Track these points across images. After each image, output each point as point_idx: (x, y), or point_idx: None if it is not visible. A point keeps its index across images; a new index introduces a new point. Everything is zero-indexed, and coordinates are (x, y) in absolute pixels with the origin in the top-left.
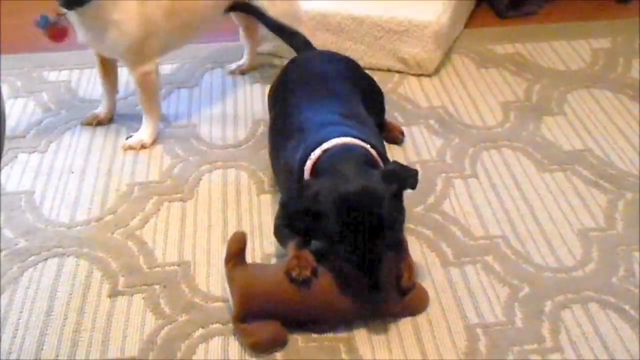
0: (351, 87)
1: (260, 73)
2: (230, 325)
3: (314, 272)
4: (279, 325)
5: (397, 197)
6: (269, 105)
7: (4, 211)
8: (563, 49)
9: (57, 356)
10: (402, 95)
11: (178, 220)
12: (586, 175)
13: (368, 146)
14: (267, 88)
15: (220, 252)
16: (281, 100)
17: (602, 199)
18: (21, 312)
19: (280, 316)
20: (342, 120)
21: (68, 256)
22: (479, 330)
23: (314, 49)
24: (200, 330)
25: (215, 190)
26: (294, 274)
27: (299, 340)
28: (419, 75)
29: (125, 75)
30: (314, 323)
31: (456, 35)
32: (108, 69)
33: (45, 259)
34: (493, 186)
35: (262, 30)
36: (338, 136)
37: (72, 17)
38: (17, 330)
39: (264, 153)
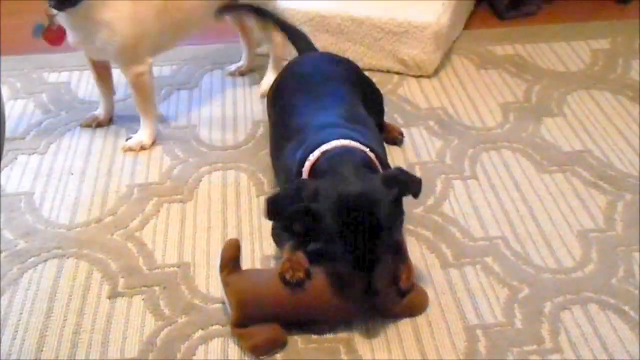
0: (351, 88)
1: (259, 74)
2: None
3: (307, 274)
4: (277, 327)
5: (397, 202)
6: (268, 106)
7: (4, 212)
8: (563, 50)
9: (57, 357)
10: (402, 97)
11: (178, 221)
12: (586, 176)
13: (367, 149)
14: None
15: (220, 254)
16: (281, 102)
17: (601, 200)
18: (21, 313)
19: (278, 319)
20: (342, 122)
21: (68, 257)
22: (478, 331)
23: (316, 50)
24: (200, 332)
25: (214, 192)
26: (287, 276)
27: (298, 342)
28: (419, 76)
29: (123, 77)
30: (313, 323)
31: (456, 36)
32: (102, 71)
33: (45, 260)
34: (492, 187)
35: (259, 31)
36: (337, 138)
37: (62, 18)
38: (16, 331)
39: (264, 154)
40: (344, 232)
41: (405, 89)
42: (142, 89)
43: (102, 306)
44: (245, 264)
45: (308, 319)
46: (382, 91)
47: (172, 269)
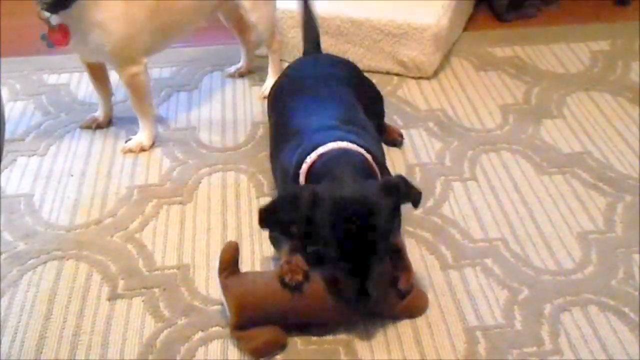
0: (351, 90)
1: (259, 76)
2: None
3: (306, 277)
4: (277, 329)
5: (394, 210)
6: (268, 108)
7: (4, 214)
8: (562, 52)
9: (57, 359)
10: (401, 98)
11: (177, 223)
12: (585, 178)
13: (364, 151)
14: None
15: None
16: (280, 103)
17: (601, 202)
18: (21, 315)
19: (277, 321)
20: (340, 124)
21: (67, 259)
22: (478, 333)
23: (319, 51)
24: (200, 334)
25: (214, 193)
26: (286, 278)
27: (298, 343)
28: (418, 78)
29: None
30: (312, 325)
31: (455, 38)
32: (98, 73)
33: (45, 262)
34: (492, 189)
35: (257, 33)
36: (334, 140)
37: (55, 21)
38: (16, 333)
39: (263, 156)
40: (341, 240)
41: (404, 90)
42: (138, 89)
43: (101, 308)
44: (245, 265)
45: (307, 321)
46: (381, 93)
47: (171, 270)
